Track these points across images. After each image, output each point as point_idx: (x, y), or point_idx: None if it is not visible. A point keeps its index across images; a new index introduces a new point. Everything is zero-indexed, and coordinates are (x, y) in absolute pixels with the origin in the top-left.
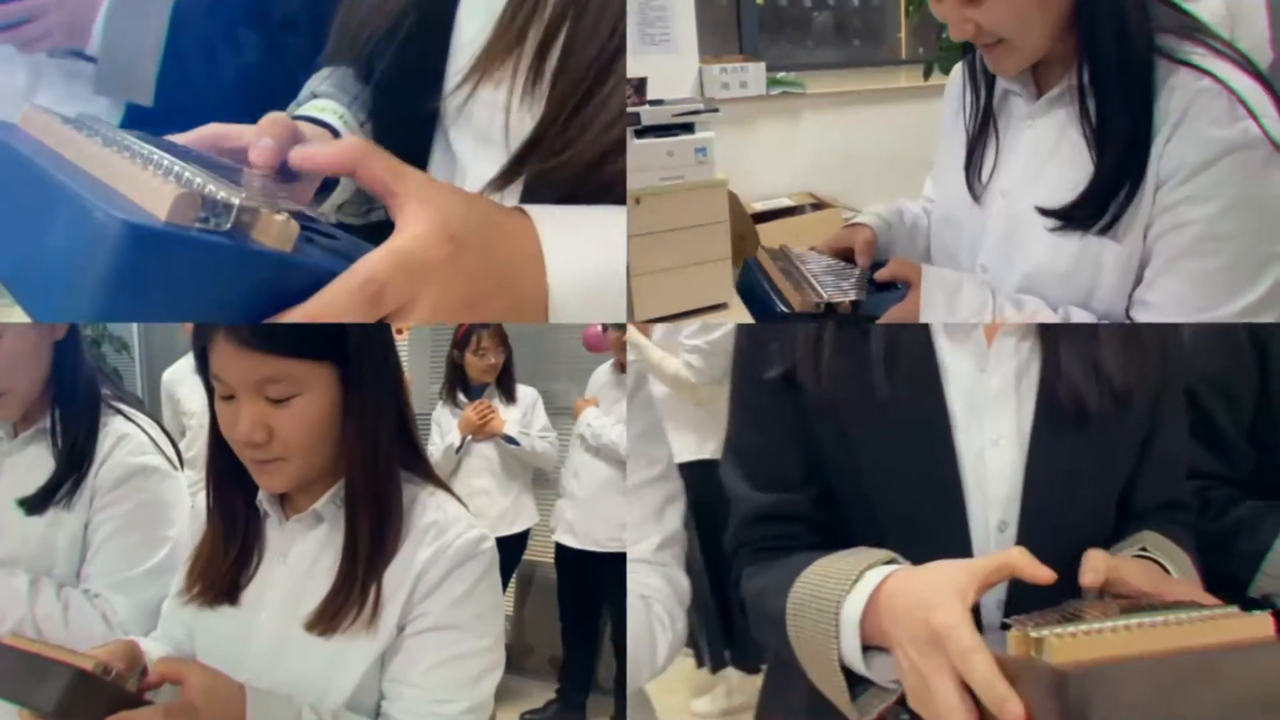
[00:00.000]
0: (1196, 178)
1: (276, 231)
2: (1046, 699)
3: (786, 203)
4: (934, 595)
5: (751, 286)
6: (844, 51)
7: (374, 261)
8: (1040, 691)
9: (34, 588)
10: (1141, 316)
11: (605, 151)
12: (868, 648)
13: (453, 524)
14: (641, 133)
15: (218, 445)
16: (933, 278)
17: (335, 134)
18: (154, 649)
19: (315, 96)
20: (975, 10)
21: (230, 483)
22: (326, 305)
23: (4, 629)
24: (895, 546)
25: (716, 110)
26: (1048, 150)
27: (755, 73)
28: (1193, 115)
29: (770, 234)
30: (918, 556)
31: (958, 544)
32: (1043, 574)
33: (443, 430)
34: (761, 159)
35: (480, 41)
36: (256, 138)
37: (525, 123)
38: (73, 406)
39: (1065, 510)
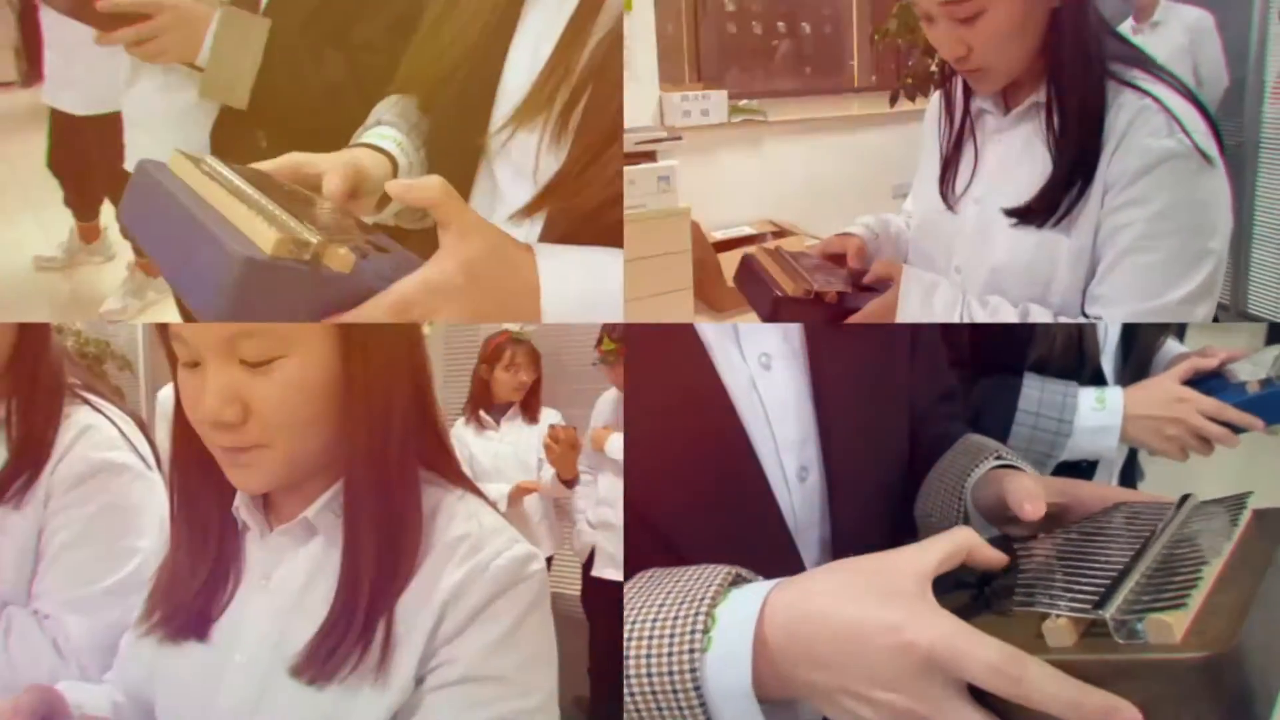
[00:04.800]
0: (1138, 182)
1: (338, 261)
2: (1186, 696)
3: (748, 231)
4: (882, 608)
5: (748, 275)
6: (798, 80)
7: (405, 286)
8: (1169, 689)
9: None
10: (1094, 309)
11: (606, 200)
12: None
13: (490, 538)
14: None
15: (182, 434)
16: (912, 277)
17: (394, 161)
18: (93, 696)
19: (380, 123)
20: (968, 32)
21: (199, 483)
22: (362, 316)
23: None
24: (685, 535)
25: (679, 138)
26: (1014, 159)
27: (717, 100)
28: (1135, 128)
29: (732, 263)
30: (720, 541)
31: (758, 507)
32: (999, 559)
33: (471, 453)
34: (723, 187)
35: (521, 94)
36: (328, 176)
37: (551, 165)
38: (34, 392)
39: (867, 437)
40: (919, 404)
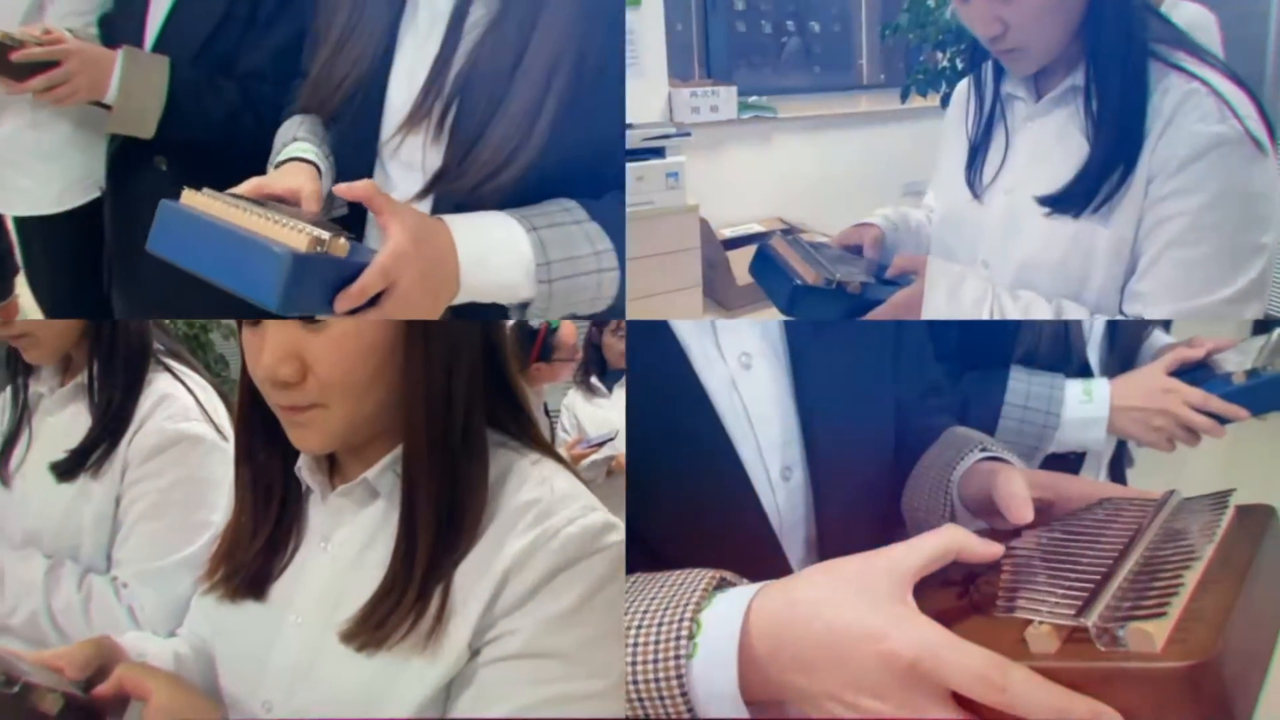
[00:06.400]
0: (1185, 170)
1: (340, 249)
2: (1168, 703)
3: (757, 229)
4: (865, 615)
5: (766, 264)
6: (807, 78)
7: (381, 258)
8: (1151, 696)
9: (52, 574)
10: (1134, 307)
11: (480, 181)
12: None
13: (562, 504)
14: None
15: (247, 394)
16: (938, 269)
17: (319, 169)
18: (157, 646)
19: (296, 140)
20: (1005, 9)
21: (263, 444)
22: (364, 286)
23: (16, 621)
24: (670, 537)
25: (688, 134)
26: (1047, 147)
27: (726, 97)
28: (1183, 114)
29: (741, 261)
30: (706, 542)
31: (742, 508)
32: (995, 550)
33: (578, 420)
34: (731, 184)
35: (405, 111)
36: (299, 194)
37: (434, 160)
38: (115, 358)
39: (851, 434)
40: (904, 398)
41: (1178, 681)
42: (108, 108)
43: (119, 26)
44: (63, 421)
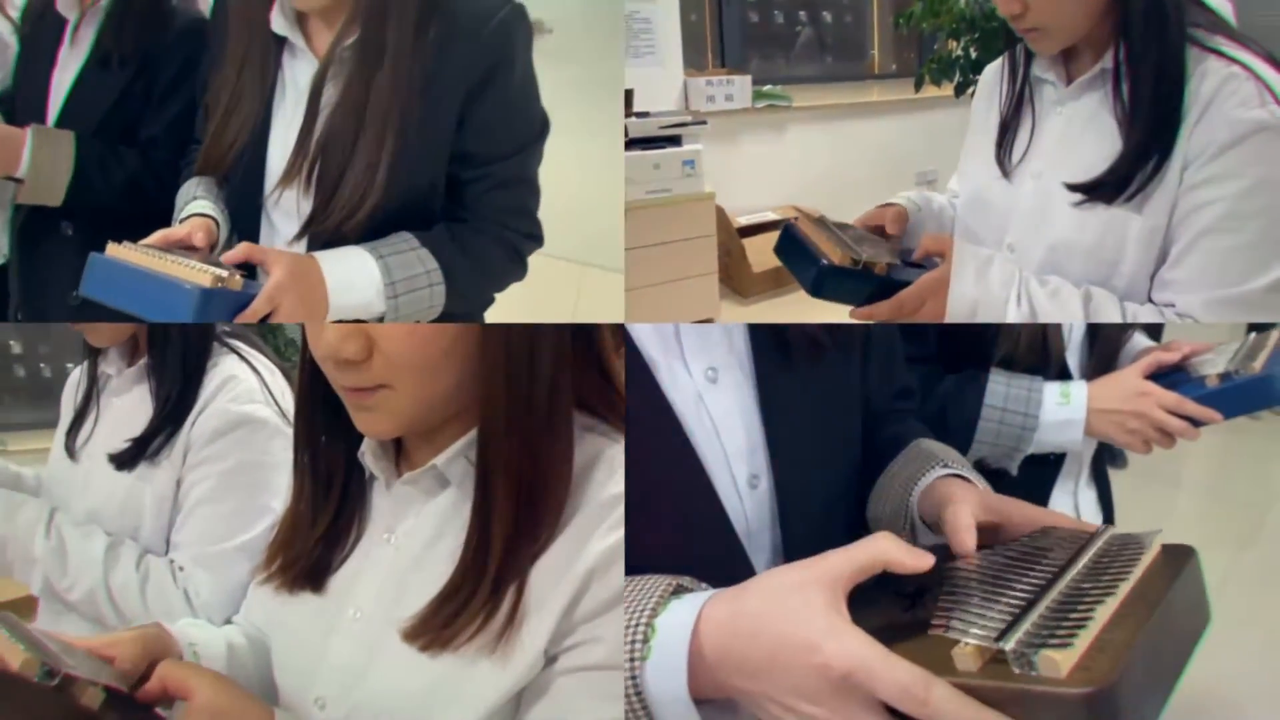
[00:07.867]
0: (1223, 156)
1: (237, 284)
2: None
3: (772, 217)
4: (802, 627)
5: (791, 244)
6: (819, 68)
7: (268, 289)
8: (1054, 718)
9: (111, 553)
10: (1164, 296)
11: (341, 221)
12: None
13: None
14: (628, 145)
15: (310, 375)
16: (966, 251)
17: (217, 223)
18: (210, 635)
19: (196, 198)
20: None
21: (325, 427)
22: (255, 310)
23: (75, 597)
24: (636, 545)
25: (704, 123)
26: (1078, 131)
27: (741, 86)
28: (1222, 98)
29: (756, 249)
30: (672, 550)
31: (708, 518)
32: (922, 563)
33: None
34: (746, 172)
35: (281, 169)
36: (191, 238)
37: (306, 207)
38: (172, 348)
39: (818, 442)
40: (874, 403)
41: (1076, 705)
42: (18, 181)
43: (20, 104)
44: (129, 403)
